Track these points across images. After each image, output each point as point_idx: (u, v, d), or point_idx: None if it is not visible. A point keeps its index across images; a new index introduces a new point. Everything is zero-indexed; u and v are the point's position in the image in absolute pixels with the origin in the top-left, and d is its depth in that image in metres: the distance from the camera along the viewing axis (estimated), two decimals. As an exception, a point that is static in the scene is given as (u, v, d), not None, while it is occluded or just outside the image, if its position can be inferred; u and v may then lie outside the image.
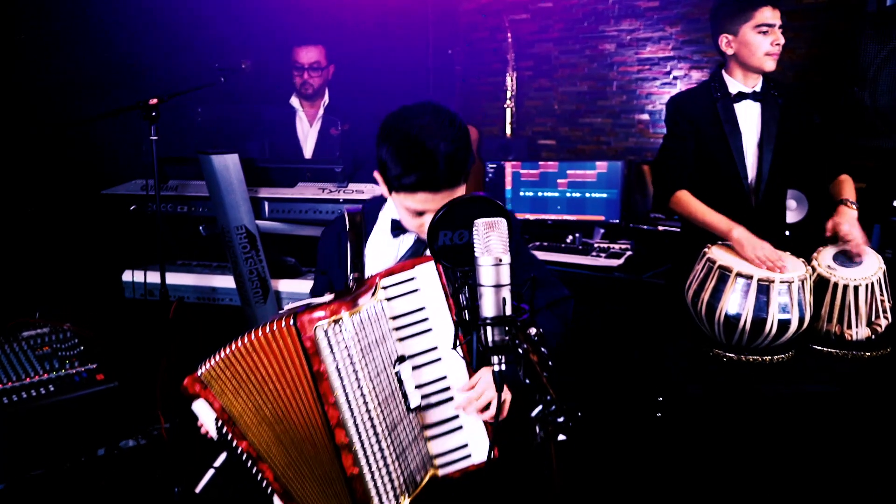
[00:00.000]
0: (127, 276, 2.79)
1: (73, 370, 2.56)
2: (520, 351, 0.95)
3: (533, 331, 0.98)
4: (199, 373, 1.33)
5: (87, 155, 2.91)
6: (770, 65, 2.22)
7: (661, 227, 3.52)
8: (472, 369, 1.19)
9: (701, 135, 2.30)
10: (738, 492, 2.02)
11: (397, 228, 1.52)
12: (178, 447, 2.73)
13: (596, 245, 3.57)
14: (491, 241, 1.04)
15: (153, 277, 2.59)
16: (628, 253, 3.40)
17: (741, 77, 2.29)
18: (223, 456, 2.95)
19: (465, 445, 1.38)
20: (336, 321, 1.23)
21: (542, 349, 0.96)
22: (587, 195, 3.73)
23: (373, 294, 1.30)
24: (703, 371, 1.96)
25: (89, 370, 2.58)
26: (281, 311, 1.37)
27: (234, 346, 1.29)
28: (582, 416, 0.88)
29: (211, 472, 2.91)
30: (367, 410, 1.26)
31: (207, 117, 2.96)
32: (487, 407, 1.31)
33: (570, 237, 3.66)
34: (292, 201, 2.64)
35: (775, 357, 1.95)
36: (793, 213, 3.04)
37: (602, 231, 3.73)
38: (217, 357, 1.32)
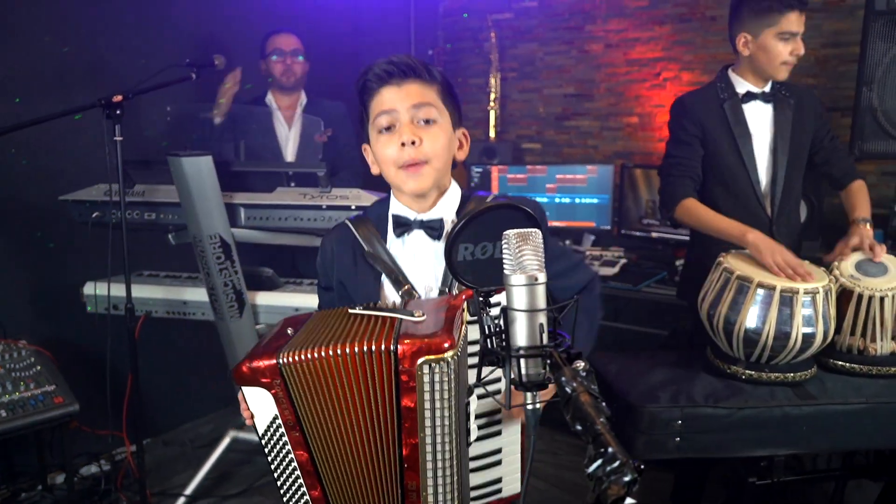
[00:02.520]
0: (89, 288, 2.58)
1: (29, 393, 2.35)
2: (567, 390, 0.78)
3: (581, 364, 0.82)
4: (280, 361, 1.10)
5: (44, 157, 2.71)
6: (784, 74, 2.12)
7: (654, 234, 3.39)
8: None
9: (708, 139, 2.17)
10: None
11: (400, 225, 1.36)
12: (145, 473, 2.54)
13: (588, 253, 3.43)
14: (524, 256, 0.87)
15: (118, 290, 2.39)
16: (622, 261, 3.27)
17: (751, 79, 2.17)
18: (195, 483, 2.78)
19: (500, 479, 1.28)
20: (441, 360, 1.02)
21: (594, 387, 0.79)
22: (577, 200, 3.59)
23: (461, 315, 1.12)
24: (722, 391, 1.82)
25: (46, 392, 2.37)
26: (388, 313, 1.15)
27: (326, 350, 1.08)
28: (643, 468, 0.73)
29: (182, 500, 2.75)
30: (447, 457, 1.09)
31: (177, 117, 2.76)
32: None
33: (560, 244, 3.51)
34: (271, 208, 2.45)
35: (798, 374, 1.83)
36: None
37: (593, 238, 3.60)
38: (303, 354, 1.09)
